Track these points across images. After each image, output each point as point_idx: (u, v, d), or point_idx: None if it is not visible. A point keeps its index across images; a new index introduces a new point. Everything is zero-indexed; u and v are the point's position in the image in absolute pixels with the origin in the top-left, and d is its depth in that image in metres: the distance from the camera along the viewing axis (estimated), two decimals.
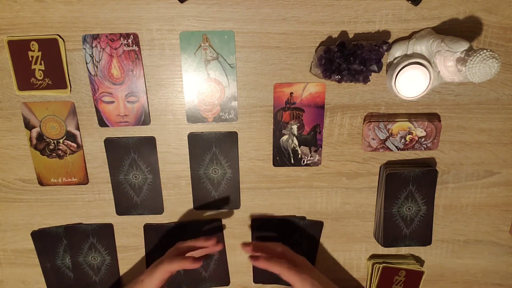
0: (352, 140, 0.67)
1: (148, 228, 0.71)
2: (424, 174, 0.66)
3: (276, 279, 0.73)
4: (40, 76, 0.62)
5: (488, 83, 0.64)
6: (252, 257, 0.58)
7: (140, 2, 0.59)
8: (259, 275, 0.74)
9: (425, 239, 0.70)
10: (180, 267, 0.59)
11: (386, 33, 0.61)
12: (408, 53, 0.59)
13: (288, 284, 0.73)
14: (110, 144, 0.66)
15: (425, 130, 0.65)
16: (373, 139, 0.65)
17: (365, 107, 0.65)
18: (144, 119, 0.65)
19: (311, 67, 0.62)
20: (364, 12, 0.60)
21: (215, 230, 0.71)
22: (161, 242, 0.71)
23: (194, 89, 0.63)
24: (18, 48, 0.60)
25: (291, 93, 0.63)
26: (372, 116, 0.65)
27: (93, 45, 0.61)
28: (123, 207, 0.69)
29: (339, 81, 0.58)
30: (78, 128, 0.65)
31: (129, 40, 0.60)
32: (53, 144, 0.66)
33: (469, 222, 0.72)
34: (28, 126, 0.65)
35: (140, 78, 0.62)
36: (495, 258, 0.74)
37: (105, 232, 0.71)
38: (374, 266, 0.71)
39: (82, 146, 0.66)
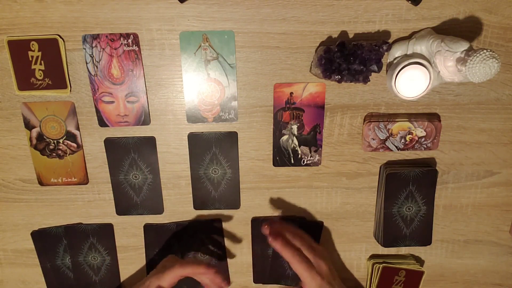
0: (352, 140, 0.67)
1: (148, 228, 0.71)
2: (424, 174, 0.66)
3: (276, 279, 0.74)
4: (40, 76, 0.62)
5: (488, 83, 0.64)
6: (272, 235, 0.55)
7: (140, 2, 0.59)
8: (259, 275, 0.74)
9: (425, 239, 0.70)
10: (193, 272, 0.57)
11: (386, 33, 0.61)
12: (408, 53, 0.59)
13: (288, 284, 0.73)
14: (110, 144, 0.66)
15: (425, 130, 0.65)
16: (373, 139, 0.65)
17: (365, 107, 0.65)
18: (144, 119, 0.65)
19: (311, 67, 0.62)
20: (364, 12, 0.60)
21: (215, 230, 0.71)
22: (161, 242, 0.71)
23: (194, 89, 0.63)
24: (18, 48, 0.60)
25: (291, 93, 0.63)
26: (372, 116, 0.65)
27: (93, 45, 0.61)
28: (123, 207, 0.69)
29: (339, 81, 0.58)
30: (78, 128, 0.65)
31: (129, 40, 0.60)
32: (53, 144, 0.66)
33: (469, 222, 0.72)
34: (28, 126, 0.65)
35: (140, 78, 0.62)
36: (495, 258, 0.74)
37: (105, 232, 0.71)
38: (374, 266, 0.71)
39: (82, 146, 0.66)
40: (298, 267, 0.54)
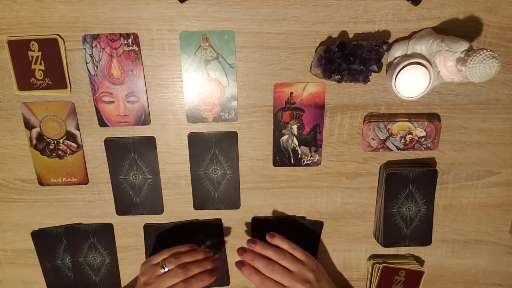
0: (352, 140, 0.67)
1: (148, 228, 0.71)
2: (424, 174, 0.66)
3: None
4: (40, 76, 0.62)
5: (488, 83, 0.64)
6: (240, 264, 0.61)
7: (140, 2, 0.59)
8: None
9: (425, 239, 0.70)
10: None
11: (386, 33, 0.61)
12: (408, 53, 0.59)
13: None
14: (110, 144, 0.66)
15: (425, 130, 0.65)
16: (373, 139, 0.65)
17: (365, 107, 0.65)
18: (144, 119, 0.65)
19: (311, 67, 0.62)
20: (364, 12, 0.60)
21: (215, 230, 0.71)
22: (161, 242, 0.71)
23: (194, 89, 0.63)
24: (18, 48, 0.60)
25: (291, 93, 0.63)
26: (372, 116, 0.65)
27: (93, 45, 0.61)
28: (123, 207, 0.69)
29: (339, 81, 0.58)
30: (78, 128, 0.65)
31: (129, 40, 0.60)
32: (53, 144, 0.66)
33: (469, 222, 0.72)
34: (28, 126, 0.65)
35: (140, 78, 0.62)
36: (495, 258, 0.74)
37: (105, 232, 0.71)
38: (374, 266, 0.71)
39: (82, 146, 0.66)
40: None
